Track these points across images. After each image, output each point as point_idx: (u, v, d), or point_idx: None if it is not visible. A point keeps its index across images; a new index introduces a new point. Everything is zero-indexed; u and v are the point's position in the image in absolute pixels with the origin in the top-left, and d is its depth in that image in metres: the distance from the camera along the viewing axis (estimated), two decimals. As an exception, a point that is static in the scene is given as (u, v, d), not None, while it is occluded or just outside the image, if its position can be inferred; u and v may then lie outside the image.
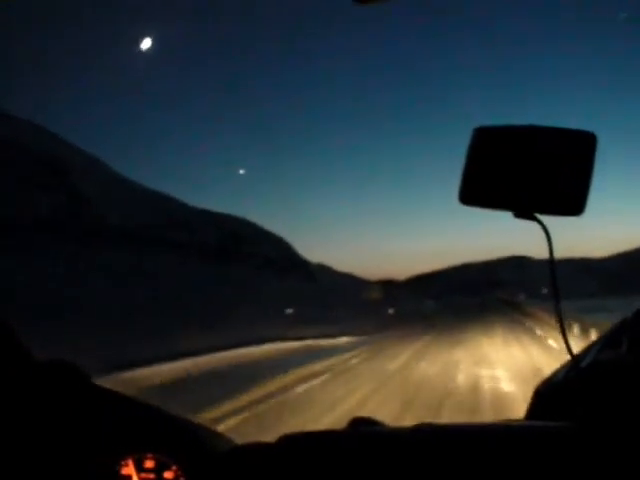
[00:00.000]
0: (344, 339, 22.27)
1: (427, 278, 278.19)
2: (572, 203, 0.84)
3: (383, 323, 30.32)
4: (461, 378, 11.12)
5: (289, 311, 30.63)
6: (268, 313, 29.58)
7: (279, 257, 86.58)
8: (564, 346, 0.89)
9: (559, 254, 0.87)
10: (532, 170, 0.86)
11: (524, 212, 0.86)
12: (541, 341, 18.05)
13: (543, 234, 0.85)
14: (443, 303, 79.04)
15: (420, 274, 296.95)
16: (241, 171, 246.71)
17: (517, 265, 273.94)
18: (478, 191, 0.88)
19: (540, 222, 0.85)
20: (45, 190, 57.05)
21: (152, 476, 1.02)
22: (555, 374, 1.18)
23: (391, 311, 37.12)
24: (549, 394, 1.14)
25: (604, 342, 1.10)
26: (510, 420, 1.11)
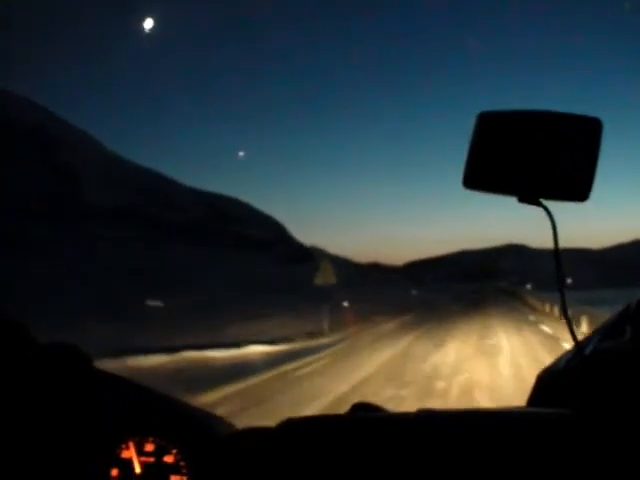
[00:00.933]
0: (255, 349, 13.12)
1: (424, 264, 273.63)
2: (577, 189, 0.83)
3: (337, 321, 18.95)
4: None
5: (153, 303, 20.33)
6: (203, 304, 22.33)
7: (270, 238, 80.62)
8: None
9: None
10: (537, 155, 0.85)
11: (528, 197, 0.85)
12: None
13: (542, 222, 0.85)
14: (434, 292, 61.41)
15: (417, 260, 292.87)
16: (240, 153, 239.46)
17: (516, 253, 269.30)
18: (482, 176, 0.88)
19: (545, 207, 0.85)
20: (37, 169, 53.33)
21: (152, 460, 1.02)
22: (558, 361, 1.17)
23: (346, 304, 24.58)
24: (551, 381, 1.14)
25: (607, 330, 1.09)
26: (511, 407, 1.09)
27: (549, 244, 0.86)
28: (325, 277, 17.80)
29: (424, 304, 35.99)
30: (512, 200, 0.86)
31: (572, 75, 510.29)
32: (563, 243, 0.87)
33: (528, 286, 78.01)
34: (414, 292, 58.78)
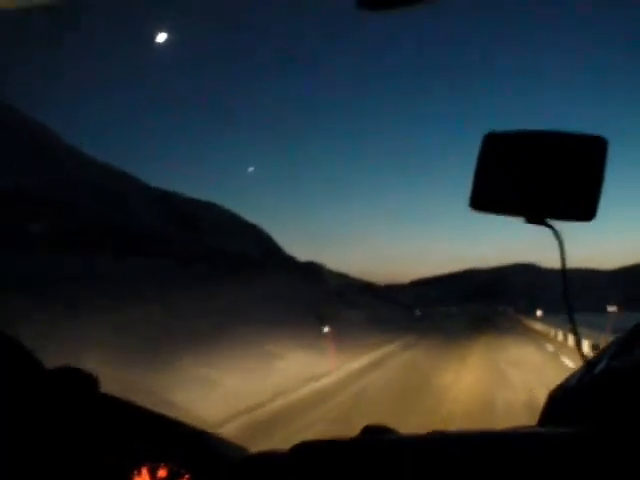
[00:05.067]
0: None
1: (431, 282, 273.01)
2: (583, 208, 0.87)
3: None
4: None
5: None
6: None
7: (254, 252, 76.65)
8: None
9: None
10: (543, 175, 0.90)
11: (535, 218, 0.89)
12: None
13: (553, 241, 0.88)
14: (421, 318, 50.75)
15: (424, 278, 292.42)
16: (250, 169, 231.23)
17: (526, 273, 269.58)
18: (489, 197, 0.93)
19: (552, 228, 0.89)
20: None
21: None
22: (568, 380, 1.20)
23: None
24: (562, 399, 1.17)
25: (617, 347, 1.12)
26: (523, 427, 1.12)
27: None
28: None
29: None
30: (520, 220, 0.91)
31: (579, 93, 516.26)
32: (573, 264, 0.93)
33: (539, 312, 53.50)
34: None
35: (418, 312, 52.15)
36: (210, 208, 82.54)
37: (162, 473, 1.07)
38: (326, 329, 21.45)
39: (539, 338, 31.82)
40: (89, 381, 1.13)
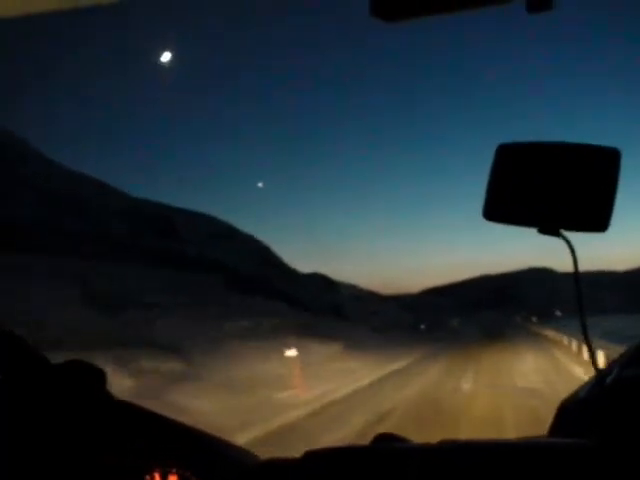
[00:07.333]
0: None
1: (442, 291, 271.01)
2: (597, 219, 0.91)
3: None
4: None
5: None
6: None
7: (244, 265, 70.24)
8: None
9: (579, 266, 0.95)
10: (556, 186, 0.94)
11: (548, 228, 0.94)
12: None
13: (565, 246, 0.93)
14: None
15: (433, 287, 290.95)
16: (259, 184, 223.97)
17: (541, 278, 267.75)
18: (502, 207, 0.98)
19: (565, 238, 0.93)
20: None
21: None
22: (579, 390, 1.23)
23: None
24: (572, 410, 1.20)
25: (630, 358, 1.15)
26: (533, 437, 1.15)
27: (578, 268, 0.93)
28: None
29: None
30: (534, 230, 0.94)
31: (591, 105, 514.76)
32: (585, 265, 1.02)
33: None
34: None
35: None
36: (199, 218, 79.03)
37: (173, 479, 1.08)
38: None
39: None
40: (98, 377, 1.14)
